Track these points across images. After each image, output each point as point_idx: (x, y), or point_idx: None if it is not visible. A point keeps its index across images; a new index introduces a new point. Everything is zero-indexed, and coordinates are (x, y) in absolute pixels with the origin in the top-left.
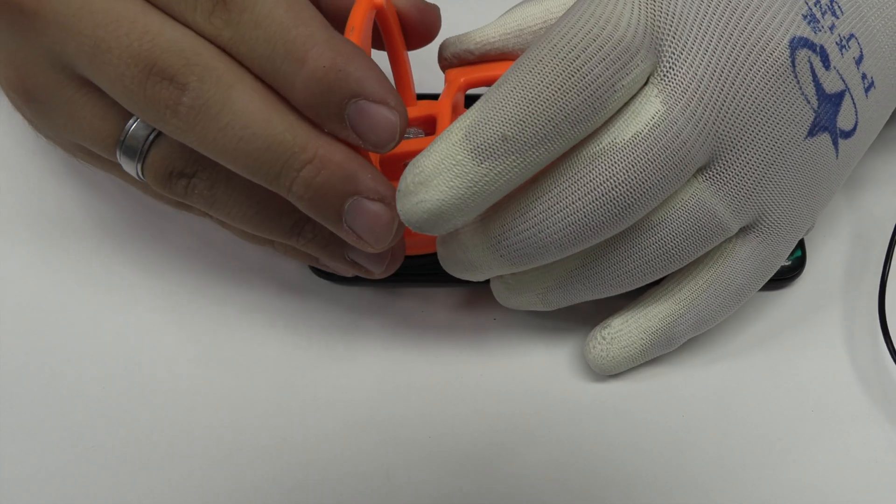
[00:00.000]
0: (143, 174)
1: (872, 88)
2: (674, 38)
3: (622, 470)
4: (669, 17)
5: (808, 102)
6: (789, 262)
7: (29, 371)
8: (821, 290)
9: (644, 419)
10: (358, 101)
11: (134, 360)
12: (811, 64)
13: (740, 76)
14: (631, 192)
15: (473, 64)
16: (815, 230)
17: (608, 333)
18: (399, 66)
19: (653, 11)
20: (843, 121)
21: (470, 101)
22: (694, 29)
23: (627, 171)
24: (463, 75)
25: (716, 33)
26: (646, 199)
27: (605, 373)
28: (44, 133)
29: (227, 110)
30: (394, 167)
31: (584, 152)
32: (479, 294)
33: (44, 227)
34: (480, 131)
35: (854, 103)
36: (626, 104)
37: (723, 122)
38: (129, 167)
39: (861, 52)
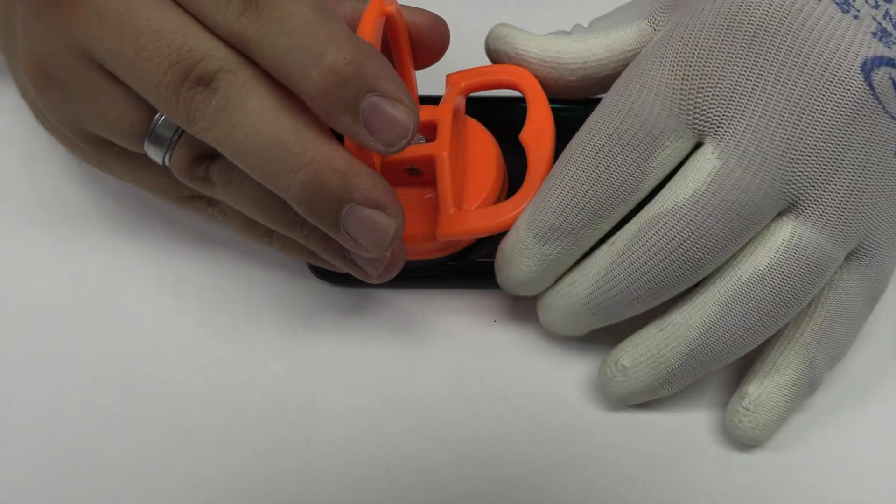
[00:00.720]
0: (168, 160)
1: None
2: (713, 104)
3: (623, 472)
4: (705, 89)
5: (894, 120)
6: None
7: (28, 372)
8: None
9: (644, 422)
10: (373, 96)
11: (133, 362)
12: (892, 80)
13: (807, 115)
14: (700, 247)
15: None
16: None
17: (749, 402)
18: (404, 76)
19: (682, 91)
20: None
21: (471, 104)
22: (739, 87)
23: (692, 228)
24: (464, 80)
25: (769, 82)
26: (716, 250)
27: (760, 442)
28: (52, 123)
29: (241, 109)
30: (395, 173)
31: (650, 214)
32: (479, 297)
33: (43, 228)
34: (537, 222)
35: None
36: (685, 164)
37: (794, 163)
38: (156, 155)
39: None
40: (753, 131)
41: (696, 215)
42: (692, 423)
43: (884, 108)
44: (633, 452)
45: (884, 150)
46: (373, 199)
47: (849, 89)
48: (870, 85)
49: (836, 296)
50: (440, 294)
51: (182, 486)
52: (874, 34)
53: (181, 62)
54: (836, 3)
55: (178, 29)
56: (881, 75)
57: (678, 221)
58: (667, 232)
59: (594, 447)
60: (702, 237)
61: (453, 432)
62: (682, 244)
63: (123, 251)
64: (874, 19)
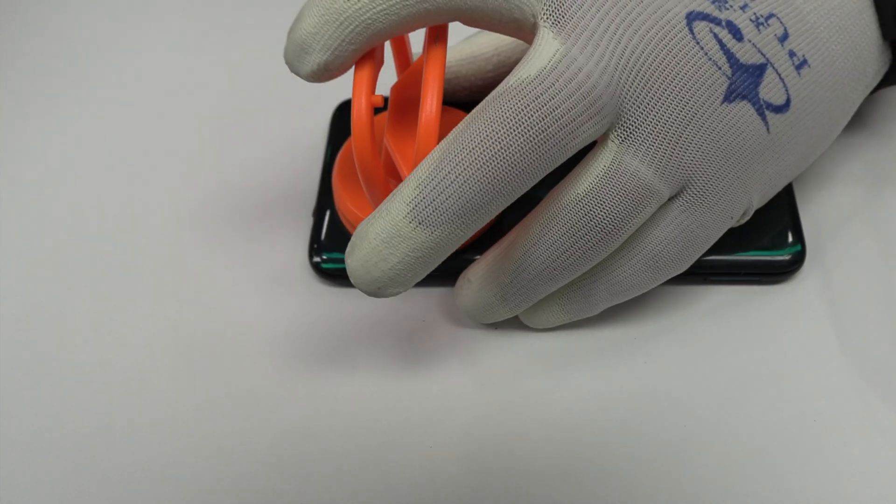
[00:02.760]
0: None
1: (806, 67)
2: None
3: (623, 479)
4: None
5: (719, 69)
6: (788, 256)
7: (25, 374)
8: (822, 286)
9: (645, 428)
10: None
11: (131, 368)
12: (715, 34)
13: (638, 32)
14: (541, 128)
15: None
16: (819, 223)
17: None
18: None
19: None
20: (770, 94)
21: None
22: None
23: (534, 106)
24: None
25: (609, 11)
26: (557, 134)
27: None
28: None
29: None
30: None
31: (483, 101)
32: None
33: (47, 228)
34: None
35: (781, 78)
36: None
37: (624, 71)
38: None
39: (785, 30)
40: (593, 30)
41: (538, 95)
42: (692, 431)
43: (705, 53)
44: (636, 454)
45: (709, 94)
46: None
47: (673, 27)
48: (690, 30)
49: (643, 229)
50: (442, 295)
51: (178, 497)
52: (711, 1)
53: None
54: None
55: None
56: (702, 27)
57: (518, 101)
58: (503, 110)
59: (597, 454)
60: (545, 116)
61: (455, 438)
62: (518, 125)
63: (122, 257)
64: None
